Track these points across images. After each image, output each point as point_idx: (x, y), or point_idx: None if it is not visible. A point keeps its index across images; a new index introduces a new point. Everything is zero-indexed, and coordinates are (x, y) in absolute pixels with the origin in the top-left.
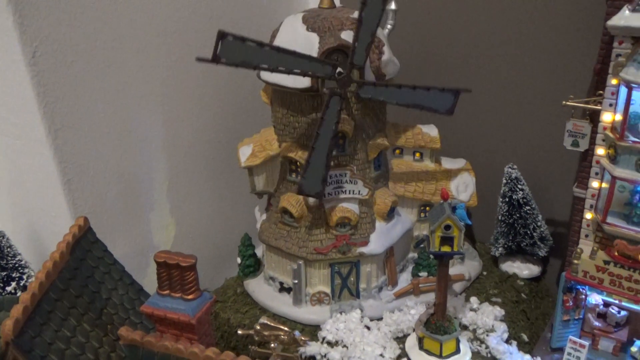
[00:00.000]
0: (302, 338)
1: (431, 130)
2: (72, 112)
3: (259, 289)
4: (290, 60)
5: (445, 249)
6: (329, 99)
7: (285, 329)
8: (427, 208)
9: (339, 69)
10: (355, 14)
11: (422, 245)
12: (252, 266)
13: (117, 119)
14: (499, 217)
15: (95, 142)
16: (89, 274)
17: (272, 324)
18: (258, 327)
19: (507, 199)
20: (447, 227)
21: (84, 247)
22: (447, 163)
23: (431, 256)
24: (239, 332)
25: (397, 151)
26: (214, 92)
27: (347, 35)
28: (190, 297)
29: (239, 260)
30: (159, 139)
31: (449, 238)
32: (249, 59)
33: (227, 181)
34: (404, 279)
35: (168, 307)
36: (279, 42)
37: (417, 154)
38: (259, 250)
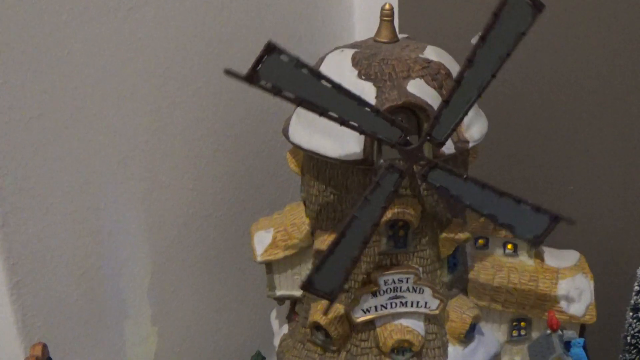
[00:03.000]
0: None
1: None
2: (22, 189)
3: None
4: (348, 106)
5: None
6: (383, 173)
7: None
8: (522, 324)
9: (407, 137)
10: (428, 52)
11: None
12: None
13: (84, 192)
14: (628, 340)
15: (53, 226)
16: None
17: None
18: None
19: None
20: None
21: None
22: (553, 258)
23: None
24: None
25: (481, 241)
26: (216, 146)
27: (416, 88)
28: None
29: None
30: (139, 217)
31: None
32: (295, 89)
33: (232, 277)
34: None
35: None
36: None
37: (509, 246)
38: None
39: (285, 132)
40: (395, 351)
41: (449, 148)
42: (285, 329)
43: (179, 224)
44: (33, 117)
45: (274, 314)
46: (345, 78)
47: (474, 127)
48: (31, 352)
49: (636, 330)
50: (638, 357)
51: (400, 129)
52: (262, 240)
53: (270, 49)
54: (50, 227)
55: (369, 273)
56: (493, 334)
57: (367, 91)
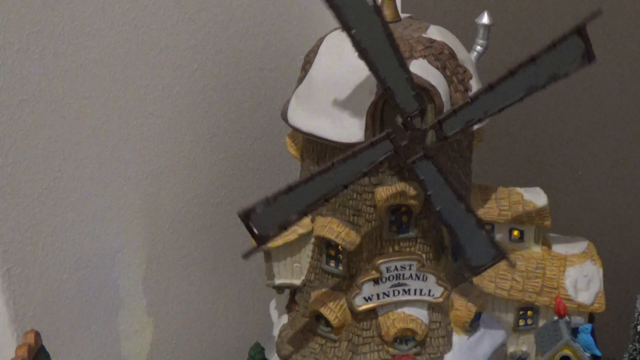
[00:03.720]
0: None
1: (537, 198)
2: (12, 175)
3: None
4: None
5: None
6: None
7: None
8: (529, 312)
9: (408, 118)
10: (432, 32)
11: None
12: None
13: (76, 177)
14: (638, 329)
15: (44, 212)
16: None
17: None
18: None
19: None
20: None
21: None
22: (560, 245)
23: None
24: None
25: (487, 228)
26: (213, 131)
27: (419, 68)
28: None
29: None
30: (133, 205)
31: None
32: (294, 208)
33: (230, 265)
34: None
35: None
36: (316, 71)
37: (516, 232)
38: None
39: (284, 115)
40: (398, 340)
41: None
42: (284, 319)
43: (174, 211)
44: (24, 100)
45: (273, 304)
46: (346, 59)
47: None
48: (23, 340)
49: None
50: None
51: (419, 103)
52: None
53: (246, 216)
54: (41, 214)
55: (371, 260)
56: (499, 323)
57: (368, 71)
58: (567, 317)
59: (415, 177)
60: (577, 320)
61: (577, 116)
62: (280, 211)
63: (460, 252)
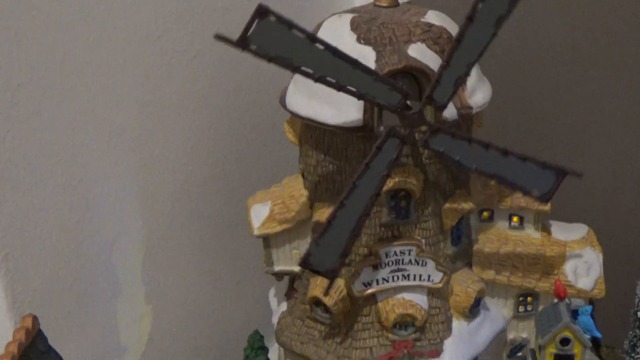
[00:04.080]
0: None
1: None
2: (9, 161)
3: None
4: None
5: None
6: (383, 139)
7: None
8: (529, 299)
9: (407, 101)
10: (430, 16)
11: (519, 354)
12: None
13: (73, 164)
14: (638, 314)
15: (42, 198)
16: None
17: None
18: None
19: None
20: (565, 342)
21: None
22: (560, 231)
23: None
24: None
25: (485, 214)
26: (211, 118)
27: (417, 52)
28: None
29: None
30: (132, 191)
31: (567, 357)
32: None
33: (228, 253)
34: None
35: None
36: None
37: (515, 219)
38: (274, 355)
39: (283, 101)
40: (397, 326)
41: (451, 114)
42: (284, 306)
43: (172, 198)
44: (21, 85)
45: (272, 291)
46: (344, 42)
47: (478, 93)
48: (21, 324)
49: None
50: None
51: (401, 93)
52: (259, 214)
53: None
54: (38, 200)
55: (370, 245)
56: (499, 310)
57: (366, 55)
58: (567, 300)
59: (436, 152)
60: (577, 302)
61: (577, 103)
62: (332, 244)
63: (523, 191)
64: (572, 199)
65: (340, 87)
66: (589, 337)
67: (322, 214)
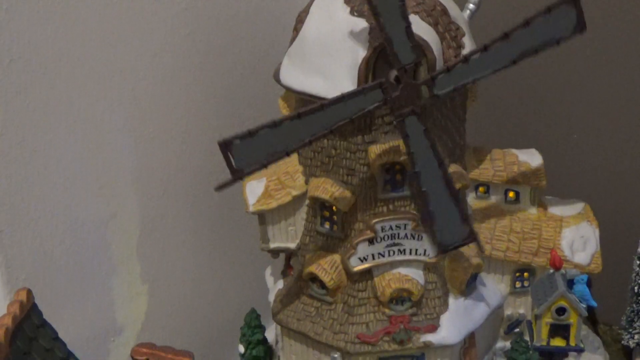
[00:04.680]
0: None
1: (532, 158)
2: (2, 135)
3: None
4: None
5: (558, 342)
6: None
7: None
8: (525, 274)
9: (395, 73)
10: None
11: (517, 330)
12: (261, 358)
13: (67, 141)
14: (635, 290)
15: (36, 174)
16: None
17: None
18: None
19: None
20: (561, 311)
21: (28, 334)
22: (556, 207)
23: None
24: None
25: (481, 189)
26: (205, 95)
27: (412, 24)
28: None
29: (241, 349)
30: (127, 168)
31: (563, 327)
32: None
33: (224, 231)
34: None
35: None
36: (308, 30)
37: (511, 194)
38: (271, 331)
39: (277, 76)
40: (394, 301)
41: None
42: (280, 284)
43: (167, 178)
44: (13, 60)
45: (268, 270)
46: (336, 16)
47: None
48: (15, 297)
49: None
50: None
51: (417, 55)
52: (254, 190)
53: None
54: (32, 176)
55: (365, 220)
56: (495, 285)
57: (359, 28)
58: (562, 270)
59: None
60: (573, 272)
61: (573, 79)
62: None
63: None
64: (569, 175)
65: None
66: (584, 306)
67: (317, 188)
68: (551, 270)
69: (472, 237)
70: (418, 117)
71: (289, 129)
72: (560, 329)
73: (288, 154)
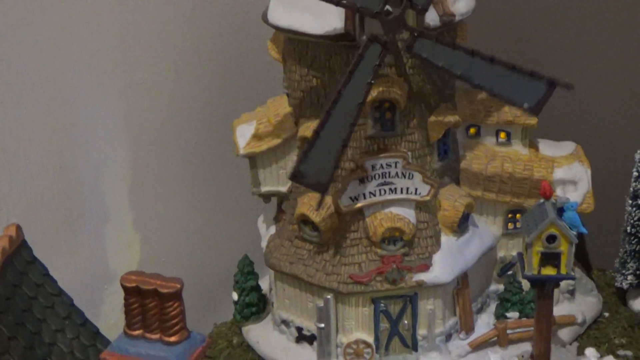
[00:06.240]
0: None
1: None
2: None
3: (266, 338)
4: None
5: (548, 271)
6: (365, 45)
7: None
8: (517, 216)
9: (387, 7)
10: None
11: (510, 273)
12: (255, 305)
13: (57, 84)
14: (628, 230)
15: (26, 118)
16: (25, 307)
17: None
18: None
19: (639, 201)
20: (551, 239)
21: (18, 269)
22: (548, 148)
23: (524, 289)
24: None
25: (472, 130)
26: (196, 44)
27: None
28: (173, 339)
29: (234, 296)
30: (117, 114)
31: (554, 255)
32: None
33: (216, 177)
34: (484, 323)
35: (142, 353)
36: None
37: (502, 135)
38: (265, 281)
39: (264, 16)
40: (386, 241)
41: (434, 20)
42: (272, 230)
43: (159, 124)
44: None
45: (260, 218)
46: None
47: (461, 0)
48: (5, 232)
49: (636, 218)
50: (639, 246)
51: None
52: (245, 134)
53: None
54: (20, 118)
55: (356, 159)
56: (488, 227)
57: None
58: (553, 199)
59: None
60: (563, 199)
61: (565, 23)
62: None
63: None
64: (560, 118)
65: None
66: (575, 232)
67: (307, 128)
68: (541, 200)
69: (552, 84)
70: (421, 36)
71: (329, 129)
72: (551, 258)
73: (345, 145)
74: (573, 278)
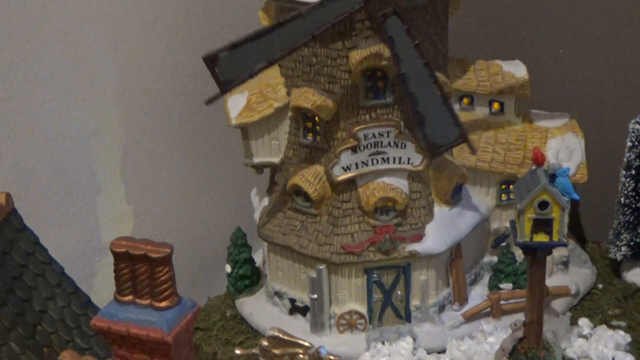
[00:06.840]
0: (332, 357)
1: (517, 69)
2: None
3: (259, 310)
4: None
5: (541, 238)
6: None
7: (306, 344)
8: (511, 187)
9: None
10: None
11: (503, 244)
12: (248, 277)
13: (46, 53)
14: (622, 201)
15: (15, 87)
16: (15, 274)
17: (287, 338)
18: (265, 343)
19: (633, 172)
20: (543, 205)
21: (8, 237)
22: (542, 119)
23: (517, 260)
24: (237, 351)
25: (465, 100)
26: (187, 12)
27: None
28: (164, 304)
29: (228, 268)
30: (109, 83)
31: (546, 221)
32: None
33: (209, 148)
34: (477, 294)
35: (132, 319)
36: None
37: (496, 105)
38: (259, 254)
39: None
40: (378, 211)
41: None
42: (265, 202)
43: (150, 96)
44: None
45: (254, 191)
46: None
47: None
48: None
49: (630, 189)
50: (633, 217)
51: None
52: (236, 104)
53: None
54: (10, 89)
55: (348, 128)
56: (481, 197)
57: None
58: (544, 166)
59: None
60: (555, 165)
61: None
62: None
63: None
64: (554, 89)
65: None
66: (567, 199)
67: (299, 98)
68: (533, 167)
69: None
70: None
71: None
72: (543, 224)
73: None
74: (565, 245)
